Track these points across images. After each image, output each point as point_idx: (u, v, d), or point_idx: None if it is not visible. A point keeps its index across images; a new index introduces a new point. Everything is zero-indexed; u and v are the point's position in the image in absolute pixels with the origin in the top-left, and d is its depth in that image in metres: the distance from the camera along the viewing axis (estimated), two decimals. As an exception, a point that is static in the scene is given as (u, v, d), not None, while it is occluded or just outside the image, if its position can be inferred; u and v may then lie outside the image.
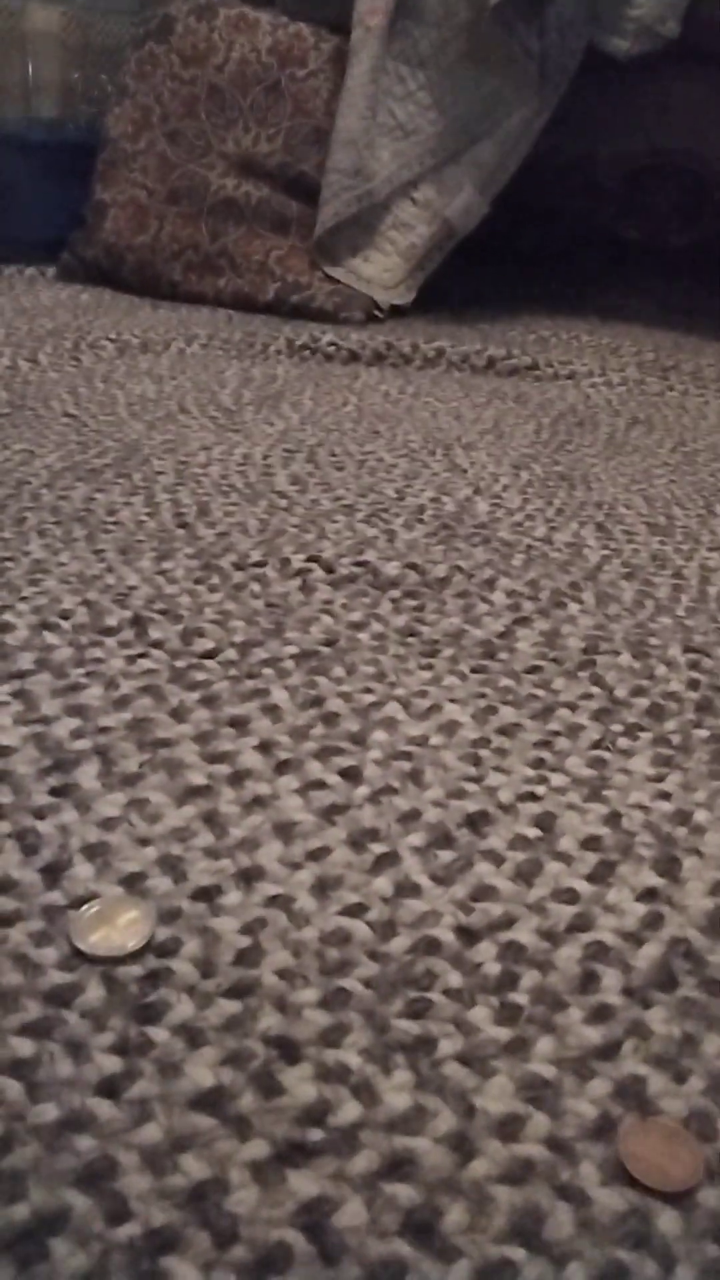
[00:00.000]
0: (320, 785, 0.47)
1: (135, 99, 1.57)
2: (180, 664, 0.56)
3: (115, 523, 0.74)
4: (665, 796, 0.48)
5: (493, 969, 0.37)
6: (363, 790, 0.47)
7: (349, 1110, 0.32)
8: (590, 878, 0.42)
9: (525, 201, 1.56)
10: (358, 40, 1.48)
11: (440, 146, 1.50)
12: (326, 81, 1.52)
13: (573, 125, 1.49)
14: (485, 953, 0.38)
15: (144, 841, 0.42)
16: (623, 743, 0.52)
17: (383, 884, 0.41)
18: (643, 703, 0.56)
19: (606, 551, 0.75)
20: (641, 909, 0.41)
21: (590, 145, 1.56)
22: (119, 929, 0.37)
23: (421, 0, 1.46)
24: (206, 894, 0.40)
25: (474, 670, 0.58)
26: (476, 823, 0.45)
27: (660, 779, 0.49)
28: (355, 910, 0.40)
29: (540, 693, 0.56)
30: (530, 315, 1.62)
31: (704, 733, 0.53)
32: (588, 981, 0.37)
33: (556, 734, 0.52)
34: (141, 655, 0.57)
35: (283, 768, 0.48)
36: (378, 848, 0.43)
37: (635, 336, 1.51)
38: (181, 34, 1.56)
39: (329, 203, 1.49)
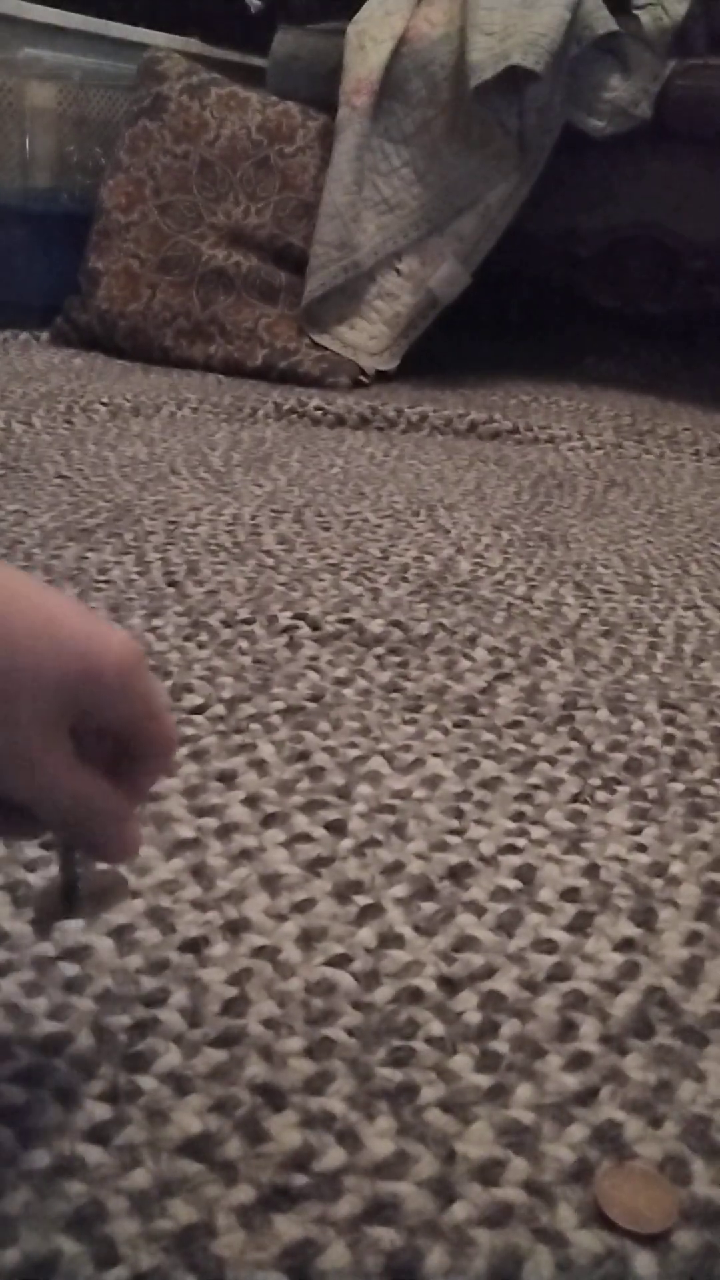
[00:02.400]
0: (306, 838, 0.48)
1: (129, 172, 1.62)
2: (169, 720, 0.57)
3: (106, 581, 0.75)
4: (642, 849, 0.49)
5: (474, 1018, 0.38)
6: (348, 843, 0.48)
7: (333, 1156, 0.32)
8: (569, 928, 0.43)
9: (506, 272, 1.61)
10: (344, 118, 1.54)
11: (423, 220, 1.55)
12: (314, 157, 1.58)
13: (552, 200, 1.55)
14: (467, 1002, 0.39)
15: (133, 894, 0.43)
16: (601, 796, 0.53)
17: (367, 935, 0.42)
18: (620, 757, 0.57)
19: (585, 610, 0.77)
20: (619, 958, 0.42)
21: (568, 219, 1.61)
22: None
23: (405, 80, 1.53)
24: (194, 945, 0.41)
25: (456, 725, 0.59)
26: (458, 874, 0.46)
27: (637, 831, 0.50)
28: (340, 961, 0.41)
29: (521, 747, 0.57)
30: (511, 381, 1.66)
31: (679, 786, 0.55)
32: (566, 1029, 0.38)
33: (536, 787, 0.54)
34: (131, 711, 0.58)
35: (269, 821, 0.49)
36: (362, 899, 0.44)
37: (613, 401, 1.56)
38: (174, 111, 1.62)
39: (316, 273, 1.54)
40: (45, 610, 0.29)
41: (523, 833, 0.50)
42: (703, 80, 1.48)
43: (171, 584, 0.76)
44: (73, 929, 0.41)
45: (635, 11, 1.50)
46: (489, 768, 0.55)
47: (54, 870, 0.40)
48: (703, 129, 1.49)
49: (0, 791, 0.30)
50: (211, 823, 0.48)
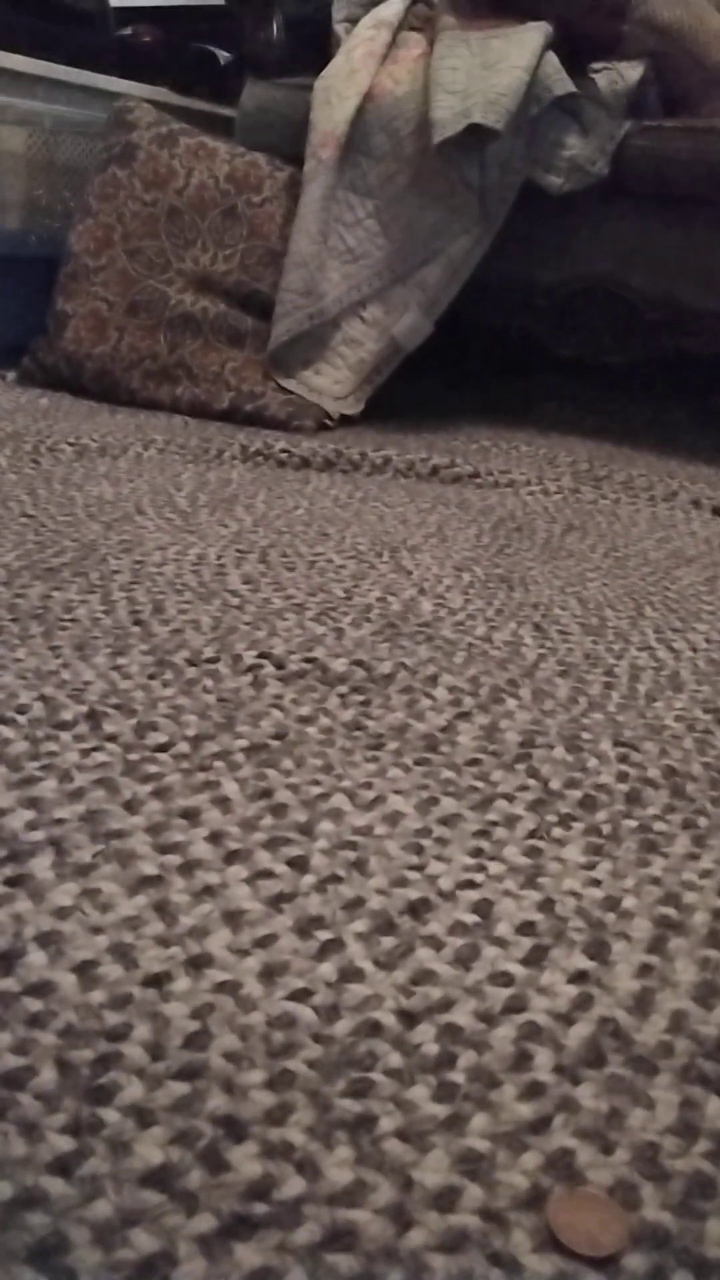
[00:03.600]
0: (268, 874, 0.49)
1: (98, 218, 1.65)
2: (134, 757, 0.58)
3: (72, 620, 0.76)
4: (596, 884, 0.51)
5: (432, 1049, 0.39)
6: (309, 879, 0.49)
7: (293, 1185, 0.33)
8: (525, 961, 0.45)
9: (468, 321, 1.66)
10: (310, 170, 1.58)
11: (387, 270, 1.59)
12: (280, 207, 1.62)
13: (512, 252, 1.60)
14: (425, 1034, 0.40)
15: (96, 930, 0.44)
16: (557, 832, 0.55)
17: (328, 969, 0.43)
18: (576, 794, 0.59)
19: (543, 650, 0.79)
20: (573, 990, 0.43)
21: (528, 271, 1.66)
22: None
23: (370, 135, 1.57)
24: (157, 980, 0.41)
25: (417, 763, 0.60)
26: (418, 909, 0.47)
27: (591, 867, 0.52)
28: (301, 995, 0.41)
29: (480, 784, 0.59)
30: (472, 426, 1.70)
31: (633, 823, 0.56)
32: (521, 1060, 0.39)
33: (495, 824, 0.55)
34: (96, 749, 0.59)
35: (232, 857, 0.50)
36: (323, 934, 0.45)
37: (570, 447, 1.59)
38: (144, 160, 1.65)
39: (282, 319, 1.57)
40: None
41: (481, 868, 0.51)
42: (657, 141, 1.54)
43: (137, 623, 0.77)
44: (36, 965, 0.41)
45: (592, 75, 1.56)
46: (448, 805, 0.56)
47: None
48: (657, 187, 1.55)
49: None
50: (175, 859, 0.49)
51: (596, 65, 1.57)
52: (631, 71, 1.57)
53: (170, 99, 1.98)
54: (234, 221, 1.62)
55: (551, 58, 1.51)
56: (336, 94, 1.58)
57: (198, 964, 0.42)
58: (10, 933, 0.43)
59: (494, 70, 1.49)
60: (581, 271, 1.64)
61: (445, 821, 0.55)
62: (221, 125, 1.85)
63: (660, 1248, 0.32)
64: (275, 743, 0.61)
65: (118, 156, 1.66)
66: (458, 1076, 0.38)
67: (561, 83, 1.50)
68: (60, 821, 0.51)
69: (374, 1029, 0.40)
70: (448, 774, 0.59)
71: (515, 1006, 0.42)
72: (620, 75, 1.58)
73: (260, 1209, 0.32)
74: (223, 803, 0.54)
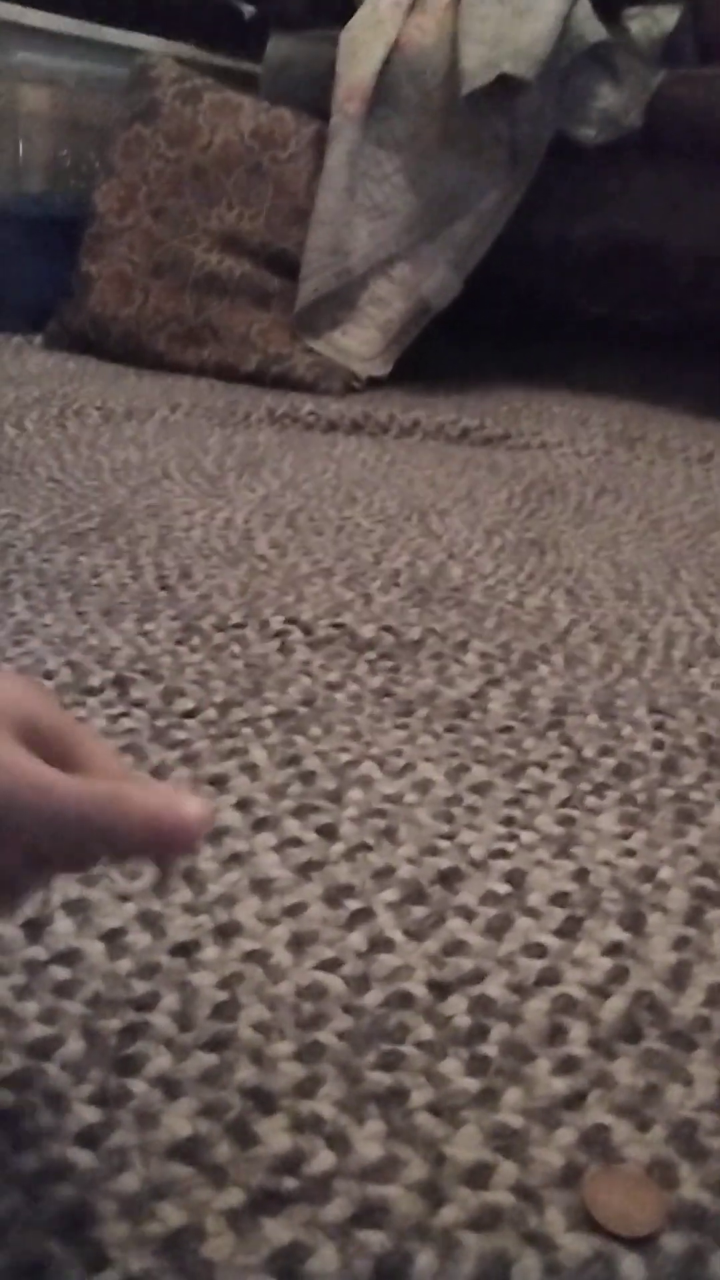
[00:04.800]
0: (297, 842, 0.48)
1: (122, 177, 1.63)
2: (161, 723, 0.57)
3: (99, 585, 0.75)
4: (631, 854, 0.49)
5: (463, 1022, 0.38)
6: (339, 847, 0.48)
7: (322, 1159, 0.32)
8: (558, 932, 0.44)
9: (498, 279, 1.62)
10: (337, 125, 1.54)
11: (416, 226, 1.56)
12: (307, 164, 1.59)
13: (543, 208, 1.56)
14: (456, 1006, 0.39)
15: (124, 898, 0.43)
16: (590, 801, 0.54)
17: (357, 939, 0.42)
18: (610, 762, 0.57)
19: (575, 615, 0.78)
20: (608, 963, 0.42)
21: (560, 227, 1.62)
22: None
23: (398, 88, 1.53)
24: (185, 949, 0.41)
25: (447, 730, 0.59)
26: (449, 879, 0.46)
27: (626, 836, 0.51)
28: (330, 965, 0.41)
29: (511, 752, 0.58)
30: (503, 387, 1.67)
31: (669, 791, 0.55)
32: (555, 1034, 0.38)
33: (527, 792, 0.54)
34: (123, 714, 0.58)
35: (260, 825, 0.49)
36: (353, 903, 0.44)
37: (604, 408, 1.56)
38: (167, 116, 1.62)
39: (309, 279, 1.54)
40: None
41: (513, 837, 0.50)
42: (693, 90, 1.49)
43: (164, 588, 0.76)
44: (64, 933, 0.41)
45: (626, 22, 1.51)
46: (479, 772, 0.55)
47: None
48: (692, 139, 1.50)
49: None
50: (202, 827, 0.48)
51: (630, 11, 1.52)
52: (667, 16, 1.52)
53: (194, 55, 1.94)
54: (259, 179, 1.59)
55: (584, 3, 1.46)
56: (363, 46, 1.54)
57: (226, 932, 0.42)
58: (38, 900, 0.43)
59: (524, 18, 1.44)
60: (615, 227, 1.60)
61: (476, 789, 0.54)
62: (246, 82, 1.81)
63: (698, 1228, 0.31)
64: (303, 709, 0.60)
65: (141, 114, 1.64)
66: (490, 1050, 0.37)
67: (594, 30, 1.45)
68: (87, 789, 0.51)
69: (405, 1000, 0.39)
70: (478, 741, 0.58)
71: (549, 979, 0.41)
72: (655, 20, 1.53)
73: (289, 1183, 0.32)
74: (251, 769, 0.54)
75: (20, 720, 0.29)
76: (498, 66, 1.41)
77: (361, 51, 1.54)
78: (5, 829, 0.27)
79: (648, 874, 0.48)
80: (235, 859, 0.46)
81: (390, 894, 0.45)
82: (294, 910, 0.43)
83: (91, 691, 0.60)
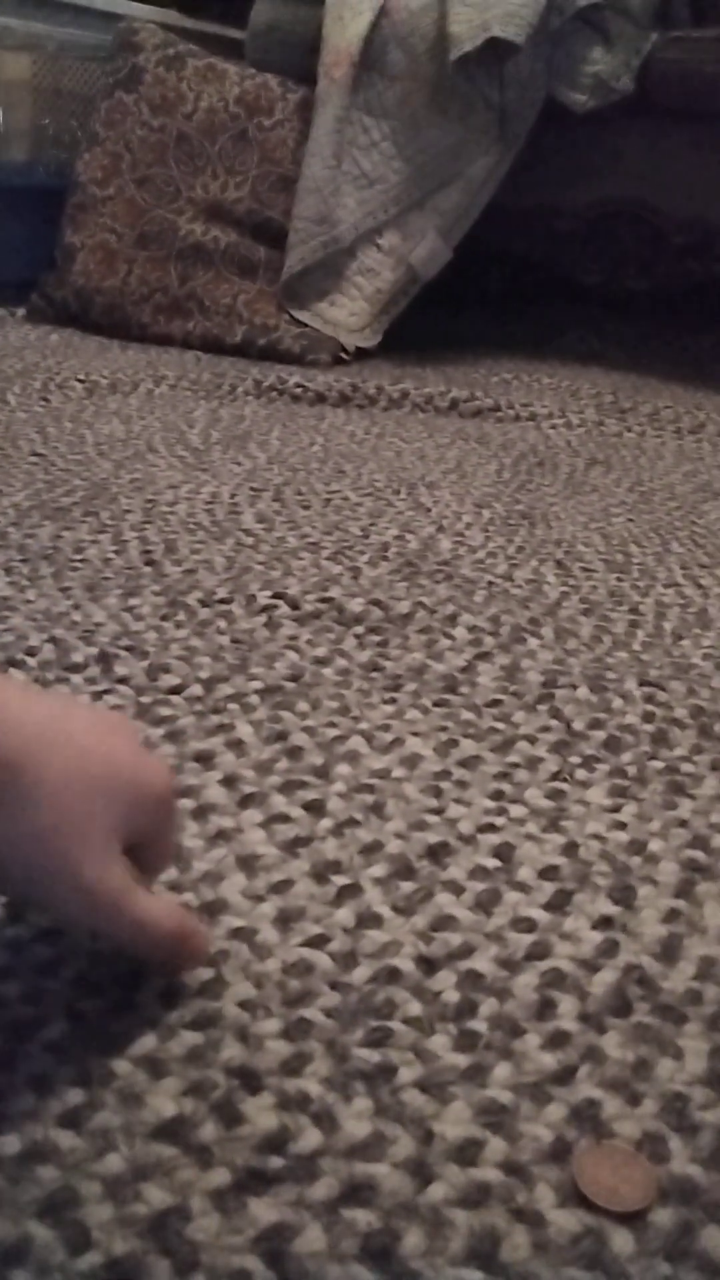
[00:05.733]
0: (284, 819, 0.48)
1: (105, 146, 1.60)
2: (146, 700, 0.57)
3: (82, 560, 0.74)
4: (621, 827, 0.49)
5: (452, 997, 0.38)
6: (326, 823, 0.47)
7: (309, 1138, 0.32)
8: (548, 906, 0.43)
9: (487, 247, 1.60)
10: (323, 91, 1.52)
11: (404, 194, 1.54)
12: (293, 131, 1.56)
13: (533, 174, 1.54)
14: (445, 981, 0.39)
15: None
16: (580, 774, 0.53)
17: (345, 915, 0.42)
18: (600, 735, 0.57)
19: (565, 588, 0.77)
20: (597, 937, 0.42)
21: (550, 194, 1.60)
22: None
23: (385, 53, 1.51)
24: (170, 927, 0.40)
25: (436, 704, 0.59)
26: (437, 853, 0.46)
27: (616, 809, 0.50)
28: (317, 941, 0.40)
29: (500, 726, 0.57)
30: (492, 358, 1.65)
31: (659, 764, 0.55)
32: (545, 1008, 0.38)
33: (516, 766, 0.53)
34: (107, 691, 0.57)
35: (247, 801, 0.49)
36: (340, 879, 0.44)
37: (594, 379, 1.55)
38: (151, 83, 1.59)
39: (296, 248, 1.52)
40: (104, 743, 0.34)
41: (502, 811, 0.49)
42: (686, 53, 1.46)
43: (149, 563, 0.75)
44: (46, 912, 0.40)
45: (617, -17, 1.48)
46: (468, 746, 0.55)
47: None
48: (686, 103, 1.48)
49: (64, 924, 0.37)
50: (188, 803, 0.48)
51: (623, -28, 1.49)
52: (660, -22, 1.49)
53: (178, 21, 1.90)
54: (245, 146, 1.56)
55: (575, -36, 1.43)
56: (350, 9, 1.51)
57: (212, 910, 0.41)
58: (20, 880, 0.42)
59: (514, -21, 1.41)
60: (606, 194, 1.58)
61: (465, 764, 0.53)
62: (231, 48, 1.78)
63: (689, 1202, 0.31)
64: (290, 684, 0.59)
65: (124, 81, 1.61)
66: (479, 1025, 0.37)
67: (586, -9, 1.43)
68: (71, 766, 0.50)
69: (392, 976, 0.39)
70: (467, 715, 0.58)
71: (538, 953, 0.40)
72: (648, -18, 1.50)
73: (276, 1162, 0.31)
74: (237, 746, 0.53)
75: (136, 832, 0.34)
76: (487, 30, 1.38)
77: (348, 16, 1.51)
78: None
79: (638, 847, 0.47)
80: (221, 836, 0.46)
81: (378, 869, 0.45)
82: (281, 887, 0.43)
83: (75, 668, 0.59)
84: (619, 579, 0.80)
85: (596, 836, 0.48)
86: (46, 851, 0.31)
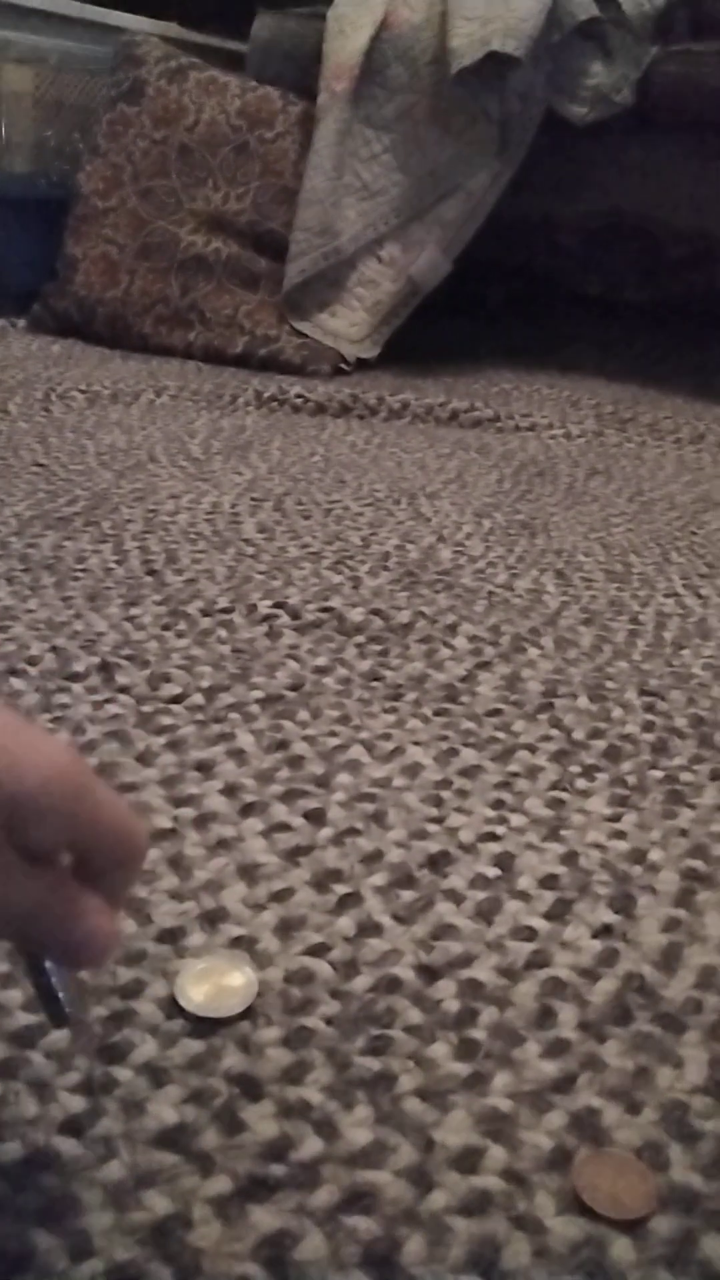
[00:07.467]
0: (285, 827, 0.48)
1: (107, 158, 1.61)
2: (147, 709, 0.57)
3: (84, 570, 0.75)
4: (621, 836, 0.49)
5: (452, 1006, 0.38)
6: (327, 832, 0.48)
7: (310, 1145, 0.32)
8: (548, 915, 0.43)
9: (488, 259, 1.61)
10: (324, 104, 1.53)
11: (405, 206, 1.54)
12: (294, 143, 1.57)
13: (533, 187, 1.55)
14: (445, 990, 0.39)
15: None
16: (580, 783, 0.53)
17: (345, 924, 0.42)
18: (600, 745, 0.57)
19: (565, 598, 0.77)
20: (598, 945, 0.42)
21: (550, 205, 1.61)
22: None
23: (386, 66, 1.52)
24: (171, 935, 0.40)
25: (436, 713, 0.59)
26: (438, 862, 0.46)
27: (616, 819, 0.50)
28: (318, 950, 0.40)
29: (501, 735, 0.57)
30: (493, 369, 1.66)
31: (659, 773, 0.55)
32: (545, 1017, 0.38)
33: (516, 775, 0.53)
34: (108, 701, 0.57)
35: (248, 810, 0.49)
36: (341, 888, 0.44)
37: (594, 389, 1.55)
38: (153, 96, 1.60)
39: (296, 259, 1.53)
40: None
41: (502, 820, 0.49)
42: (686, 66, 1.47)
43: (150, 573, 0.75)
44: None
45: (617, -4, 1.49)
46: (469, 756, 0.55)
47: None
48: (685, 115, 1.49)
49: None
50: (189, 812, 0.48)
51: (622, -15, 1.50)
52: (659, -8, 1.50)
53: (179, 34, 1.92)
54: (246, 159, 1.57)
55: (575, -22, 1.44)
56: (351, 23, 1.52)
57: (213, 919, 0.41)
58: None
59: (514, -6, 1.42)
60: (606, 206, 1.59)
61: (465, 773, 0.53)
62: (232, 61, 1.79)
63: (689, 1210, 0.31)
64: (291, 694, 0.60)
65: (126, 93, 1.62)
66: (479, 1033, 0.37)
67: (585, 6, 1.44)
68: (72, 774, 0.50)
69: (393, 985, 0.39)
70: (468, 724, 0.58)
71: (538, 962, 0.41)
72: (647, -4, 1.51)
73: (277, 1170, 0.31)
74: (238, 755, 0.53)
75: (13, 823, 0.27)
76: (487, 44, 1.39)
77: (349, 29, 1.52)
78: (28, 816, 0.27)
79: (638, 856, 0.48)
80: (222, 844, 0.46)
81: (379, 878, 0.45)
82: (281, 895, 0.43)
83: (76, 677, 0.60)
84: (619, 589, 0.80)
85: (597, 845, 0.48)
86: None
